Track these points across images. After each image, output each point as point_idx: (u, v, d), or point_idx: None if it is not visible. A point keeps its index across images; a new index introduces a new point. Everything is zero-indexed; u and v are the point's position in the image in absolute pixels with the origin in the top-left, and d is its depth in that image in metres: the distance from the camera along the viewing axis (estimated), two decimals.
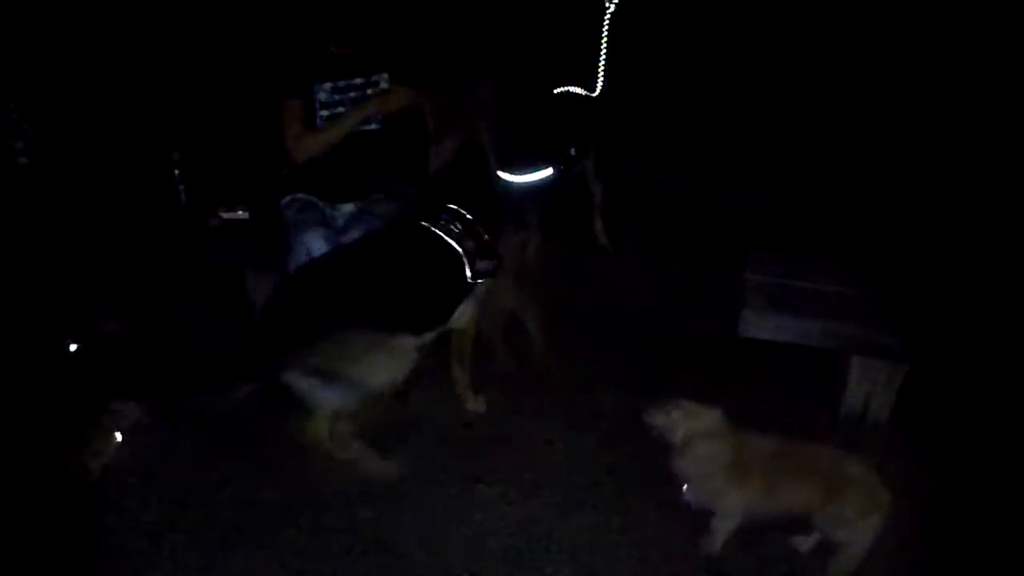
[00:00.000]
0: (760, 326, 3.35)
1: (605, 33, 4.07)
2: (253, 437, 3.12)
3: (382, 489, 3.00)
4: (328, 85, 3.45)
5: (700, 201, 4.83)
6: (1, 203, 3.95)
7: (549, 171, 3.68)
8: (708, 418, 2.72)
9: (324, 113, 3.47)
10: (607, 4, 4.06)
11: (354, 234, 3.40)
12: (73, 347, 3.30)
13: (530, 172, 3.66)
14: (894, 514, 2.61)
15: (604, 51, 4.06)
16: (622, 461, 3.20)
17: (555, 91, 3.99)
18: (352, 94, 3.50)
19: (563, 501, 3.01)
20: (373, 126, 3.53)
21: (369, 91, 3.52)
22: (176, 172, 3.94)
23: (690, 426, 2.71)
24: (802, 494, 2.67)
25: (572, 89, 4.04)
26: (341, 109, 3.47)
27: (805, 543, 2.84)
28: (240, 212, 3.93)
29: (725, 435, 2.73)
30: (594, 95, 4.08)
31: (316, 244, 3.32)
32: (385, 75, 3.54)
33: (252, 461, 3.08)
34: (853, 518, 2.61)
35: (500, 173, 3.60)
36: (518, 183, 3.66)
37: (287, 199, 3.57)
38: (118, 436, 2.94)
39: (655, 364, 3.71)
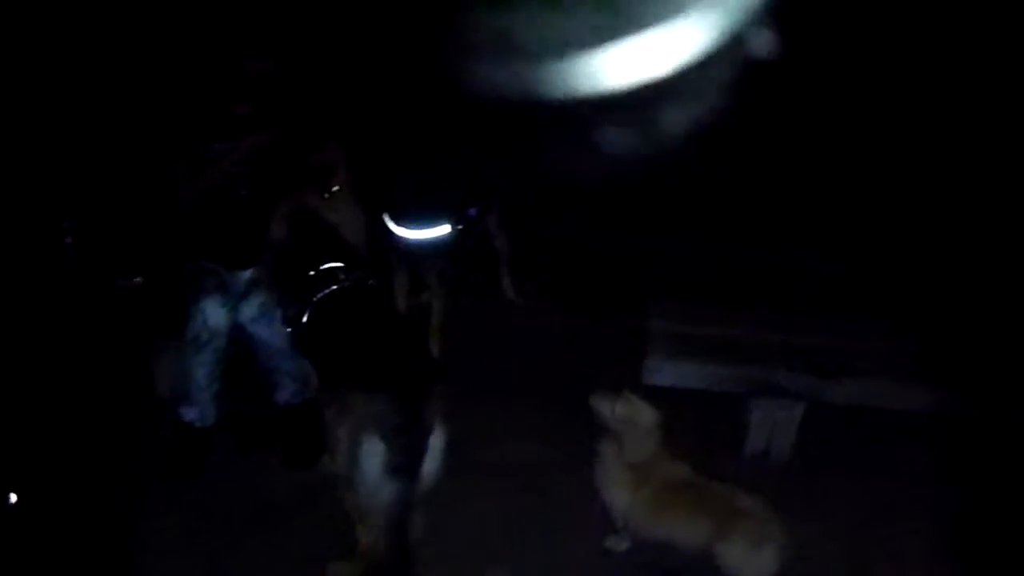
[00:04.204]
0: (663, 372, 3.43)
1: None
2: None
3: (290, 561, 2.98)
4: (226, 144, 3.42)
5: (604, 253, 4.93)
6: None
7: (446, 228, 3.69)
8: (647, 414, 2.88)
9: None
10: None
11: (255, 300, 3.36)
12: None
13: (425, 228, 3.67)
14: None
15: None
16: (526, 512, 3.21)
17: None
18: (250, 154, 3.47)
19: (475, 562, 3.00)
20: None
21: (267, 150, 3.49)
22: (68, 240, 3.84)
23: (629, 414, 2.87)
24: (692, 525, 2.80)
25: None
26: (238, 168, 3.43)
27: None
28: (135, 280, 3.84)
29: (651, 435, 2.89)
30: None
31: (212, 311, 3.27)
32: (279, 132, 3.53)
33: None
34: (746, 550, 2.69)
35: (395, 228, 3.63)
36: (415, 240, 3.67)
37: (187, 265, 3.50)
38: None
39: (562, 415, 3.73)
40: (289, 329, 3.10)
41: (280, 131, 3.45)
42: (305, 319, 2.98)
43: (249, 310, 3.36)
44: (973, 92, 5.04)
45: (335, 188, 3.34)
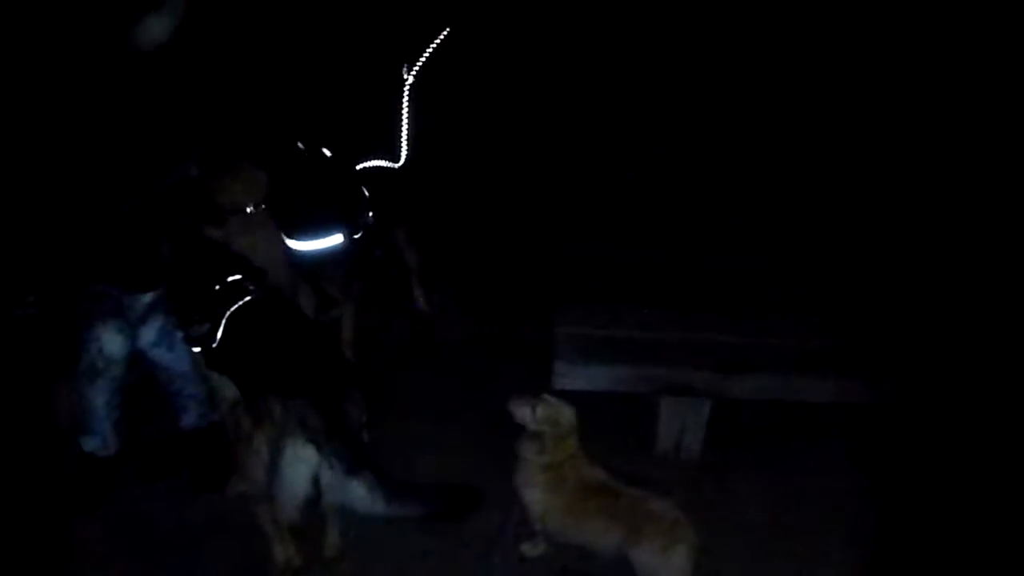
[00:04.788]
0: (572, 377, 3.48)
1: (405, 104, 4.13)
2: None
3: None
4: None
5: (509, 261, 5.00)
6: None
7: (339, 238, 3.66)
8: (567, 413, 2.92)
9: None
10: (405, 76, 4.14)
11: (154, 324, 3.28)
12: None
13: (317, 239, 3.64)
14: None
15: (405, 123, 4.12)
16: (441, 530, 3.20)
17: (358, 164, 3.99)
18: None
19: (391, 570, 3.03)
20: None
21: None
22: None
23: (550, 415, 2.89)
24: (605, 529, 2.83)
25: (377, 162, 4.05)
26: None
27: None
28: (28, 307, 3.71)
29: (570, 435, 2.92)
30: (397, 166, 4.11)
31: (109, 336, 3.18)
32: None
33: None
34: (657, 554, 2.74)
35: (288, 240, 3.60)
36: (313, 253, 3.64)
37: (81, 291, 3.39)
38: None
39: (474, 425, 3.75)
40: (198, 349, 3.05)
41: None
42: (219, 334, 2.95)
43: (149, 335, 3.28)
44: (873, 81, 5.29)
45: (244, 211, 3.32)
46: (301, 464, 2.58)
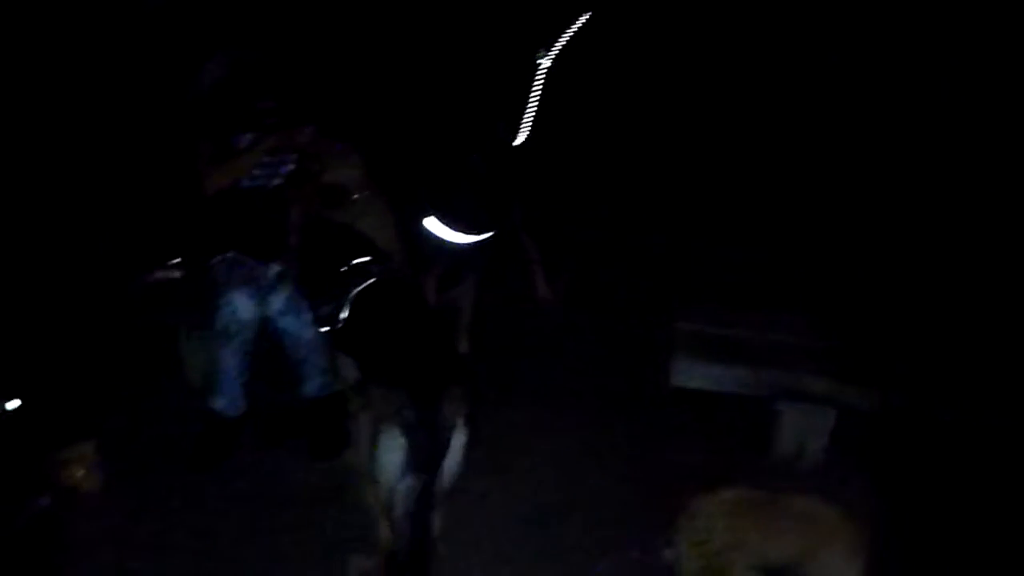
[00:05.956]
0: (691, 375, 3.39)
1: (536, 88, 4.09)
2: None
3: (315, 552, 3.01)
4: (249, 136, 3.45)
5: (630, 254, 4.92)
6: None
7: (490, 234, 3.69)
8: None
9: None
10: (541, 59, 4.10)
11: (283, 293, 3.39)
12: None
13: (472, 233, 3.67)
14: None
15: (532, 107, 4.08)
16: (554, 512, 3.20)
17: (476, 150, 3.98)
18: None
19: (496, 552, 3.02)
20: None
21: (292, 142, 3.52)
22: (104, 230, 3.91)
23: None
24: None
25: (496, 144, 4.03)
26: (264, 159, 3.47)
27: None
28: (171, 271, 3.90)
29: None
30: (517, 152, 4.07)
31: (241, 303, 3.30)
32: (310, 127, 3.56)
33: None
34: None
35: (434, 229, 3.64)
36: (453, 242, 3.67)
37: (217, 258, 3.53)
38: None
39: (588, 417, 3.72)
40: (325, 328, 3.10)
41: (303, 132, 3.47)
42: (344, 315, 2.98)
43: (277, 303, 3.39)
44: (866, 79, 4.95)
45: (355, 197, 3.35)
46: (395, 451, 2.60)
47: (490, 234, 3.72)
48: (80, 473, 3.21)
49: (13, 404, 3.28)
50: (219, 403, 3.46)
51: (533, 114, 4.11)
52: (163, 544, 3.03)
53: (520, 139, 4.02)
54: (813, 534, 2.63)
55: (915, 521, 3.13)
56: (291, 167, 3.51)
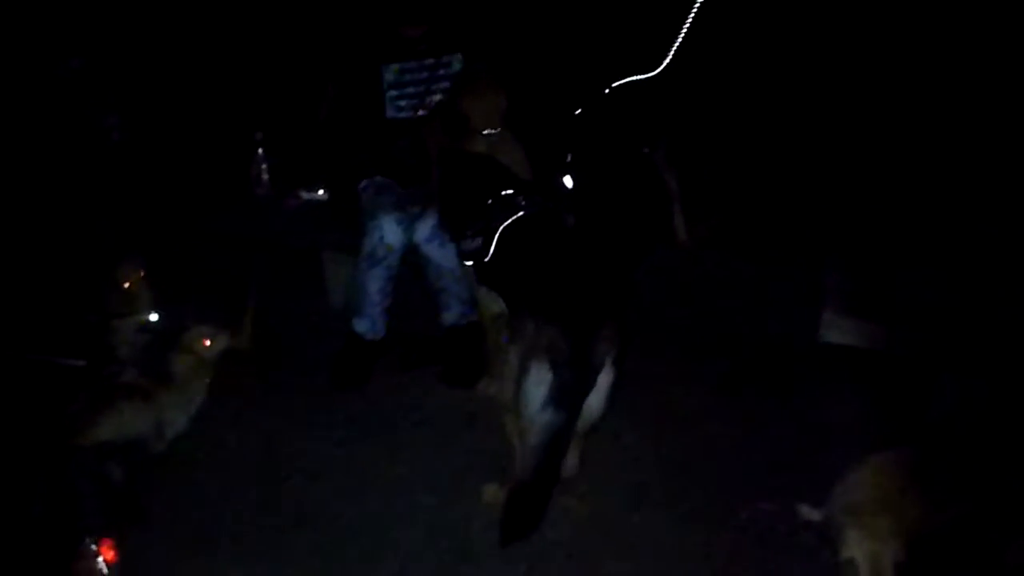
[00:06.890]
0: (841, 330, 3.24)
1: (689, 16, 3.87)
2: None
3: (445, 477, 3.06)
4: (396, 66, 3.46)
5: (781, 200, 4.66)
6: (94, 172, 4.16)
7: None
8: None
9: (393, 93, 3.51)
10: None
11: (429, 220, 3.41)
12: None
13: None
14: None
15: (682, 36, 3.87)
16: (689, 459, 3.15)
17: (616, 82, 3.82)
18: (424, 75, 3.51)
19: (626, 497, 2.98)
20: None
21: (440, 72, 3.52)
22: (260, 151, 4.01)
23: None
24: None
25: (636, 77, 3.87)
26: (411, 90, 3.49)
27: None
28: (319, 193, 3.98)
29: None
30: (659, 80, 3.89)
31: (390, 228, 3.35)
32: (458, 55, 3.53)
33: None
34: None
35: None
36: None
37: (364, 182, 3.59)
38: None
39: (729, 365, 3.63)
40: (470, 263, 3.10)
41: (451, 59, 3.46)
42: (492, 249, 2.96)
43: (423, 230, 3.42)
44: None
45: (486, 132, 3.29)
46: (543, 386, 2.59)
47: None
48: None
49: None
50: (361, 326, 3.55)
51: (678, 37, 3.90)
52: (299, 462, 3.17)
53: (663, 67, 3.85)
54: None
55: None
56: (437, 98, 3.51)
